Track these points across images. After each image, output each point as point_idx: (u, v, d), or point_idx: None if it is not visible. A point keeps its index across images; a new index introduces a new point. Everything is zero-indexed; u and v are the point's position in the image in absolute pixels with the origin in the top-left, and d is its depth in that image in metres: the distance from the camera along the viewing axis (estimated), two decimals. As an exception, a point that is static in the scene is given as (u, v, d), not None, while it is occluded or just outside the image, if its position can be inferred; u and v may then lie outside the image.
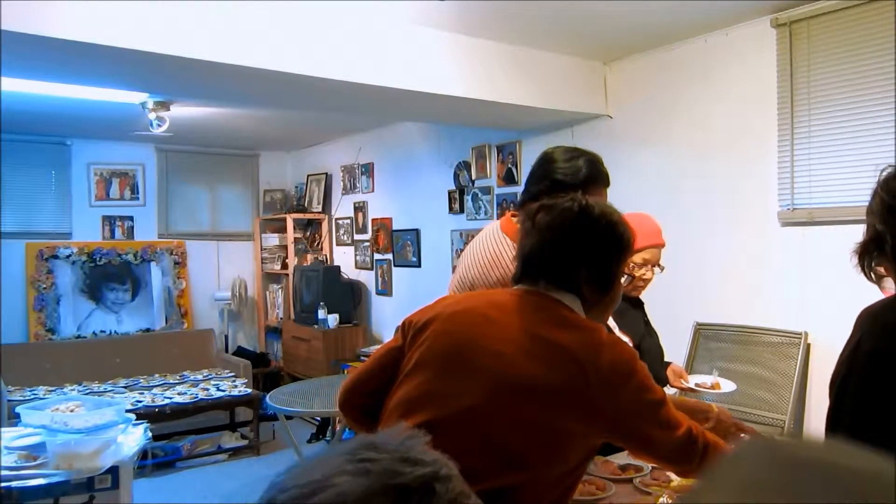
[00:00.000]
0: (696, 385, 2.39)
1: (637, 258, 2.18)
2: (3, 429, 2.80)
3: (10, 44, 2.40)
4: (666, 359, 2.43)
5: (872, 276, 1.21)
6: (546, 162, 1.88)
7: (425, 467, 0.58)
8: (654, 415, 1.30)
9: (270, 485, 0.59)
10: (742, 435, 2.20)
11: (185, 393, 4.93)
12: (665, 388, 2.33)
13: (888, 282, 1.21)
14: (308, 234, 6.66)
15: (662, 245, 2.23)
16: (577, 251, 1.34)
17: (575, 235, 1.34)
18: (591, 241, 1.34)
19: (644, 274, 2.20)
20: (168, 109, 4.47)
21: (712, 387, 2.40)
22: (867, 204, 1.22)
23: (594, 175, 1.83)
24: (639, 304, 2.31)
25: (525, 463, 1.23)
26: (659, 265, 2.22)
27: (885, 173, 1.19)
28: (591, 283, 1.35)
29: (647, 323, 2.34)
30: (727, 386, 2.41)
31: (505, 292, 1.42)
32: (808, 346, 3.03)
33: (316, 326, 5.64)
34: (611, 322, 2.16)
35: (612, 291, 1.40)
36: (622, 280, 1.42)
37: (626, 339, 2.16)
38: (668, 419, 1.31)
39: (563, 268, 1.34)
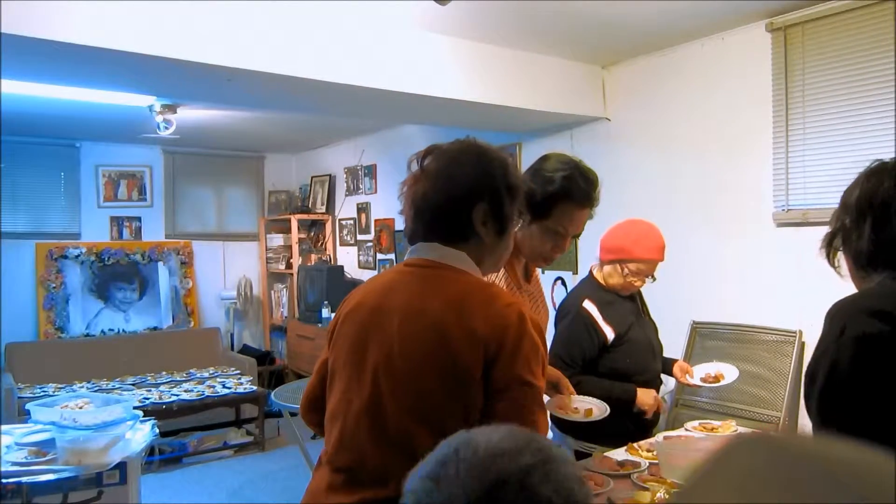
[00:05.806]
0: (701, 380, 2.43)
1: (632, 265, 2.23)
2: (14, 425, 2.86)
3: (17, 47, 2.43)
4: (666, 355, 2.49)
5: (835, 263, 1.27)
6: (538, 163, 1.89)
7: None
8: (519, 391, 1.19)
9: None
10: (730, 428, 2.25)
11: (192, 390, 5.00)
12: (667, 383, 2.38)
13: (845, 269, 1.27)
14: (312, 234, 6.72)
15: (660, 260, 2.27)
16: (472, 186, 1.30)
17: (468, 171, 1.30)
18: (484, 175, 1.30)
19: (634, 281, 2.26)
20: (175, 112, 4.53)
21: (716, 378, 2.44)
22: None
23: (566, 190, 1.79)
24: (631, 297, 2.36)
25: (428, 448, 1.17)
26: (652, 276, 2.27)
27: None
28: (487, 222, 1.30)
29: (641, 315, 2.38)
30: (730, 376, 2.44)
31: (393, 271, 1.38)
32: (803, 344, 3.06)
33: (320, 325, 5.69)
34: (593, 309, 2.20)
35: (506, 235, 1.35)
36: (515, 228, 1.37)
37: (608, 328, 2.22)
38: (533, 403, 1.21)
39: (457, 208, 1.29)
